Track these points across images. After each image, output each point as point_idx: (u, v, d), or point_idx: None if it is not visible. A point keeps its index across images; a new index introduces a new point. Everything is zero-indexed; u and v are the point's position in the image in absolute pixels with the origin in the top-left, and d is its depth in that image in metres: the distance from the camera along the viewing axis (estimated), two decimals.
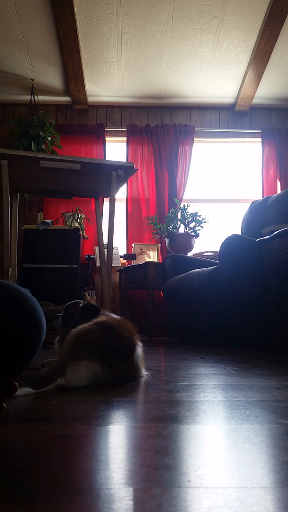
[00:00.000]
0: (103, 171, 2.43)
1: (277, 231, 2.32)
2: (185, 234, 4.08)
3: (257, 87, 4.57)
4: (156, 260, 4.41)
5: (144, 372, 1.30)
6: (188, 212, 4.13)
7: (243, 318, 2.60)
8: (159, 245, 4.49)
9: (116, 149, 5.02)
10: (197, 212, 4.12)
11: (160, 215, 4.62)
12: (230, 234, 2.79)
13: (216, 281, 2.75)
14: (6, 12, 3.66)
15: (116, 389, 1.08)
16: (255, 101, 4.85)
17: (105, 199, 4.45)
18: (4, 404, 0.76)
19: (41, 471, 0.49)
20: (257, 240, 2.60)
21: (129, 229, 4.69)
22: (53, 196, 2.75)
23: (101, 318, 1.32)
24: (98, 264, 4.24)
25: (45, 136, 4.36)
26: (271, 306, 2.38)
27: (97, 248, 4.37)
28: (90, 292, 4.09)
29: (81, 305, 1.46)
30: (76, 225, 4.28)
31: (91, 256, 4.43)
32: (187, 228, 4.11)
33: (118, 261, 4.40)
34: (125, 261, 4.52)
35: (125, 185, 4.51)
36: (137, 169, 3.64)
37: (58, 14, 3.66)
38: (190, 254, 4.12)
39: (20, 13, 3.68)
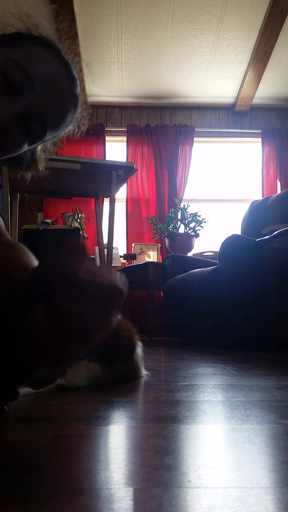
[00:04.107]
0: (103, 171, 2.43)
1: (277, 231, 2.32)
2: (185, 234, 4.08)
3: (257, 87, 4.57)
4: (156, 260, 4.41)
5: (144, 372, 1.30)
6: (188, 212, 4.13)
7: (243, 318, 2.60)
8: (159, 245, 4.49)
9: (116, 149, 5.03)
10: (197, 212, 4.12)
11: (160, 215, 4.62)
12: (230, 234, 2.79)
13: (216, 281, 2.75)
14: (6, 12, 3.66)
15: (116, 389, 1.08)
16: (255, 101, 4.85)
17: (105, 199, 4.44)
18: (5, 407, 0.76)
19: (41, 471, 0.49)
20: (257, 240, 2.60)
21: (129, 229, 4.69)
22: (53, 196, 2.76)
23: None
24: (98, 264, 4.24)
25: None
26: (271, 306, 2.38)
27: (97, 248, 4.37)
28: None
29: None
30: (76, 225, 4.28)
31: (91, 256, 4.43)
32: (187, 228, 4.11)
33: (118, 261, 4.40)
34: (125, 261, 4.52)
35: (125, 185, 4.51)
36: (137, 169, 3.65)
37: (58, 14, 3.65)
38: (190, 254, 4.12)
39: (20, 13, 3.68)
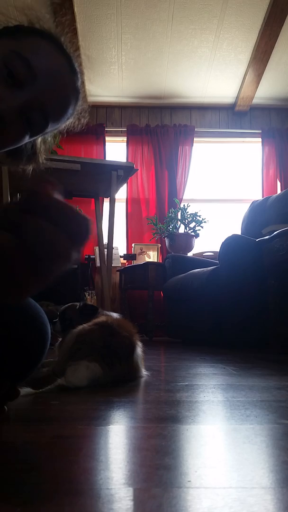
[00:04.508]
0: (103, 171, 2.43)
1: (277, 231, 2.32)
2: (185, 234, 4.08)
3: (257, 87, 4.57)
4: (156, 260, 4.41)
5: (144, 372, 1.30)
6: (188, 212, 4.13)
7: (243, 318, 2.60)
8: (159, 245, 4.49)
9: (116, 149, 5.02)
10: (197, 212, 4.12)
11: (160, 215, 4.62)
12: (230, 234, 2.79)
13: (216, 281, 2.75)
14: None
15: (116, 389, 1.08)
16: (255, 101, 4.85)
17: (105, 199, 4.44)
18: (5, 407, 0.76)
19: (41, 471, 0.49)
20: (257, 240, 2.60)
21: (129, 229, 4.69)
22: None
23: (101, 318, 1.32)
24: (98, 264, 4.24)
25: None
26: (271, 306, 2.38)
27: (97, 248, 4.37)
28: (90, 292, 4.09)
29: (77, 307, 1.45)
30: None
31: (91, 256, 4.43)
32: (187, 228, 4.11)
33: (118, 261, 4.40)
34: (125, 261, 4.52)
35: (125, 185, 4.51)
36: (137, 169, 3.64)
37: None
38: (190, 254, 4.12)
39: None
